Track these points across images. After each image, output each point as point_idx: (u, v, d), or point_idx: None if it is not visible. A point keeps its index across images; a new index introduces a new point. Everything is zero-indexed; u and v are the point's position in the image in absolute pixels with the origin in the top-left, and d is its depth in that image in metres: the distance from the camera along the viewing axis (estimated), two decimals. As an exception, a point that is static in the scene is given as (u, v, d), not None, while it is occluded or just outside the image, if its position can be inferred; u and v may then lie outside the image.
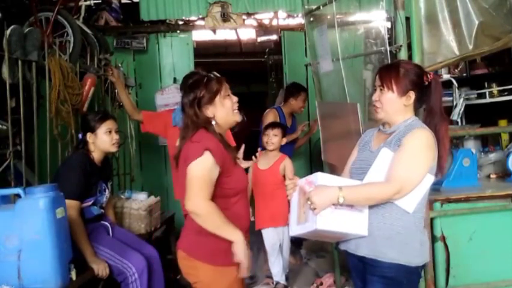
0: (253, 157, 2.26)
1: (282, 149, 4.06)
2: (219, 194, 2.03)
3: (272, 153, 3.80)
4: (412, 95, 1.97)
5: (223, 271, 2.03)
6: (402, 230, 1.91)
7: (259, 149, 2.31)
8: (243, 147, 2.29)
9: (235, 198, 2.10)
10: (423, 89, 1.99)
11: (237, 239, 1.97)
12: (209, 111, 2.07)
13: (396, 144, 1.92)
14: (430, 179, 1.93)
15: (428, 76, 1.99)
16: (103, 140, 2.86)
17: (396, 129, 1.98)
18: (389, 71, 1.99)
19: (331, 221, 1.84)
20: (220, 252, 2.01)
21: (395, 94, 1.96)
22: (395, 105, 1.98)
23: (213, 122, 2.08)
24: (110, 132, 2.88)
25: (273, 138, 3.76)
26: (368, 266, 1.95)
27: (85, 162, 2.80)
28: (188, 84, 2.11)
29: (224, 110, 2.09)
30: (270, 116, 4.50)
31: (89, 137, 2.86)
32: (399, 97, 1.97)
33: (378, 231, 1.91)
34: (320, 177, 1.90)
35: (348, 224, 1.88)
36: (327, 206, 1.82)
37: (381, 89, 1.98)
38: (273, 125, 3.85)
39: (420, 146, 1.89)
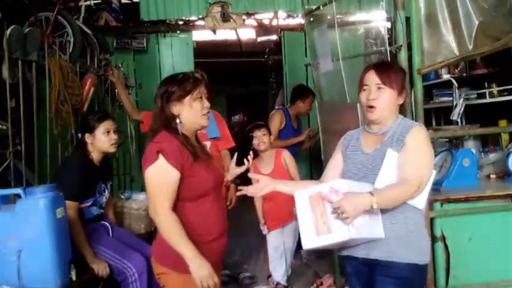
0: (245, 160, 2.18)
1: (288, 150, 4.06)
2: (185, 197, 1.99)
3: (266, 153, 3.73)
4: (404, 93, 2.01)
5: (189, 278, 1.97)
6: (414, 229, 1.92)
7: (251, 153, 2.22)
8: (235, 156, 2.22)
9: (204, 199, 2.03)
10: None
11: (191, 257, 1.91)
12: (175, 109, 2.03)
13: (399, 144, 1.91)
14: (433, 174, 1.95)
15: None
16: (101, 141, 2.85)
17: (389, 129, 1.97)
18: (387, 69, 1.99)
19: (360, 229, 1.77)
20: (184, 260, 1.96)
21: (395, 92, 1.96)
22: (393, 104, 1.98)
23: (177, 121, 2.03)
24: (108, 132, 2.86)
25: (263, 138, 3.70)
26: (380, 267, 1.91)
27: (84, 163, 2.79)
28: (165, 78, 2.11)
29: (191, 112, 2.03)
30: (276, 117, 4.49)
31: (88, 137, 2.85)
32: (397, 96, 1.98)
33: (390, 232, 1.88)
34: (344, 185, 1.81)
35: (371, 229, 1.84)
36: (359, 214, 1.75)
37: (380, 88, 1.95)
38: (257, 126, 3.77)
39: (424, 142, 1.91)
